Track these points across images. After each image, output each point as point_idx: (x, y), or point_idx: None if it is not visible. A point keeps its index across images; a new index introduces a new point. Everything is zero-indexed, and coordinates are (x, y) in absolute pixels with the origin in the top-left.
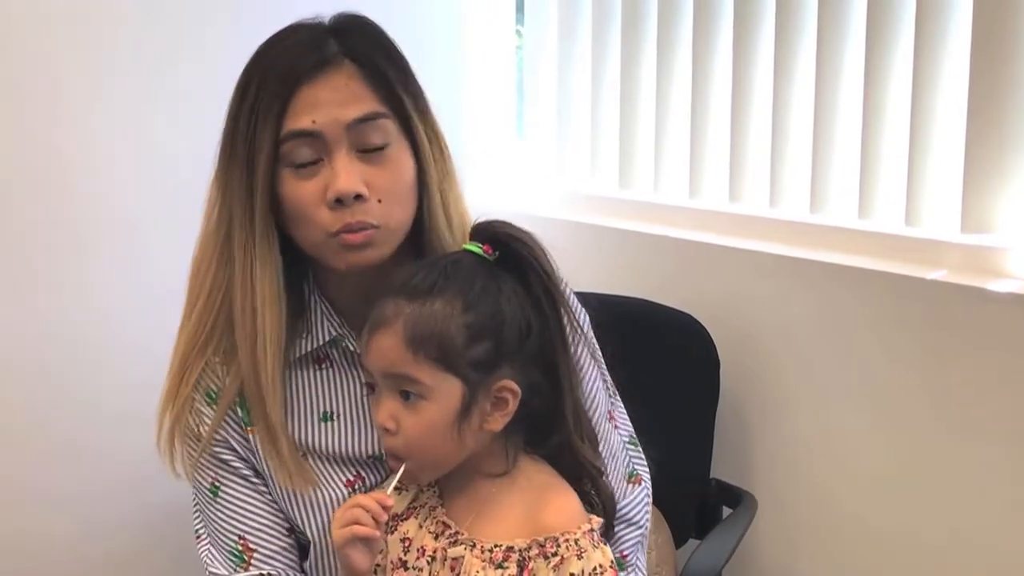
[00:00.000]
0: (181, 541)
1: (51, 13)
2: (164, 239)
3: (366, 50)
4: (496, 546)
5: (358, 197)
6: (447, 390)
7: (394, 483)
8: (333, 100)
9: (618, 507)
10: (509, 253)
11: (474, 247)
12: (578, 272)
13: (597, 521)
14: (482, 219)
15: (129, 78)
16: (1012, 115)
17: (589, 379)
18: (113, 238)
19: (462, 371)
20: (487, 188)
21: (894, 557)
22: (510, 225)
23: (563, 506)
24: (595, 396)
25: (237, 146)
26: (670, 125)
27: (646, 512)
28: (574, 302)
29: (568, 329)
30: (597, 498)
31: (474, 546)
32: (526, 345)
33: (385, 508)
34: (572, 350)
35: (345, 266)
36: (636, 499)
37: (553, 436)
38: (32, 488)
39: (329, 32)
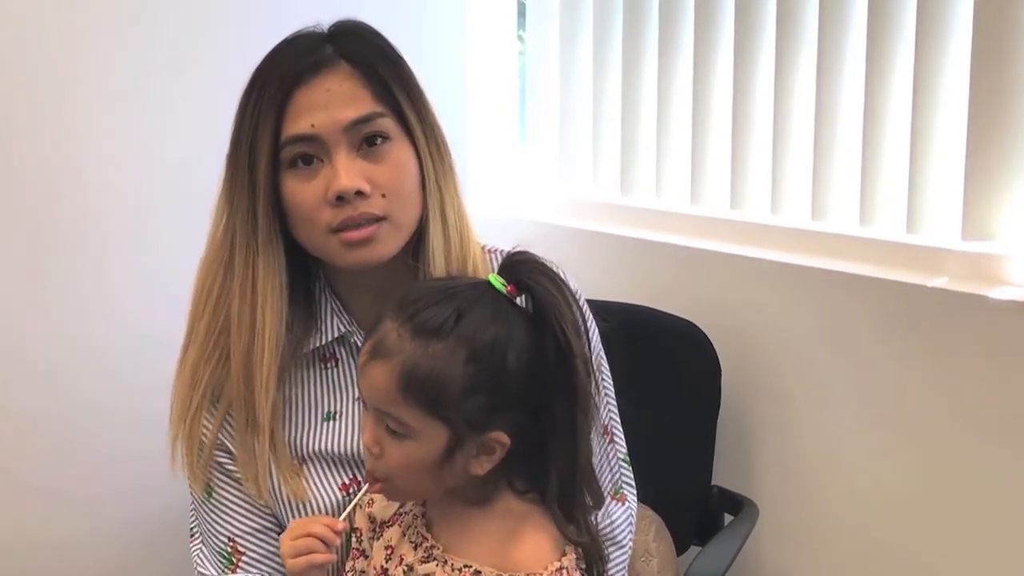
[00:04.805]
0: (185, 548)
1: (58, 15)
2: (176, 240)
3: (361, 51)
4: (465, 566)
5: (359, 194)
6: (432, 434)
7: (353, 505)
8: (330, 102)
9: (601, 525)
10: (532, 300)
11: (498, 283)
12: (579, 279)
13: (569, 558)
14: (517, 249)
15: (138, 79)
16: (1013, 122)
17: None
18: (124, 239)
19: (452, 421)
20: (489, 194)
21: (895, 564)
22: (539, 268)
23: (535, 541)
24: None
25: (240, 152)
26: (672, 131)
27: (630, 533)
28: (588, 314)
29: (579, 390)
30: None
31: (445, 563)
32: (521, 391)
33: (337, 533)
34: (583, 412)
35: (350, 264)
36: (620, 519)
37: (530, 492)
38: (40, 489)
39: (326, 37)
